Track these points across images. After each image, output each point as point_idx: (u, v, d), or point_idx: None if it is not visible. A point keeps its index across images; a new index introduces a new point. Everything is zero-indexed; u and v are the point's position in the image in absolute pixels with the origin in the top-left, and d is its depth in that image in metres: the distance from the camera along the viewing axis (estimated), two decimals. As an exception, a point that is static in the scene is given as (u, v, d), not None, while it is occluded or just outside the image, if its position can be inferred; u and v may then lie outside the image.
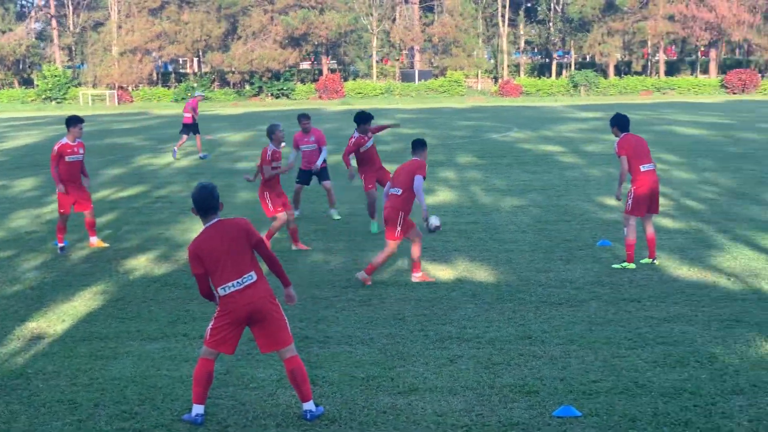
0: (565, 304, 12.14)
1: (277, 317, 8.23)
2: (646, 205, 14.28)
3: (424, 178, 13.52)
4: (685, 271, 13.84)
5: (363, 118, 17.98)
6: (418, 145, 13.85)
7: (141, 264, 15.29)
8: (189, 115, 34.81)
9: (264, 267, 8.45)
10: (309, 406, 8.32)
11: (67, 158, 16.02)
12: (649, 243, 14.47)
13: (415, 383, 9.21)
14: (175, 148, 34.90)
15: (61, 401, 8.90)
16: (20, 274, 14.68)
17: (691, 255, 14.96)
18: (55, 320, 11.84)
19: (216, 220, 8.21)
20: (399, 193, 13.45)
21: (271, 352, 8.51)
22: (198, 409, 8.27)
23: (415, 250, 13.70)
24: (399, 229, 13.45)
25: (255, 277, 8.17)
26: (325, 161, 19.51)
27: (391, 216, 13.46)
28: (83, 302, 12.78)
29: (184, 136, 35.00)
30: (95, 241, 16.71)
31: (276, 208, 15.81)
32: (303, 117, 19.45)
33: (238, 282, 8.10)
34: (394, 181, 13.69)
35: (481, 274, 14.06)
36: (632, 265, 14.13)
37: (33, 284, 13.94)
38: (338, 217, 19.37)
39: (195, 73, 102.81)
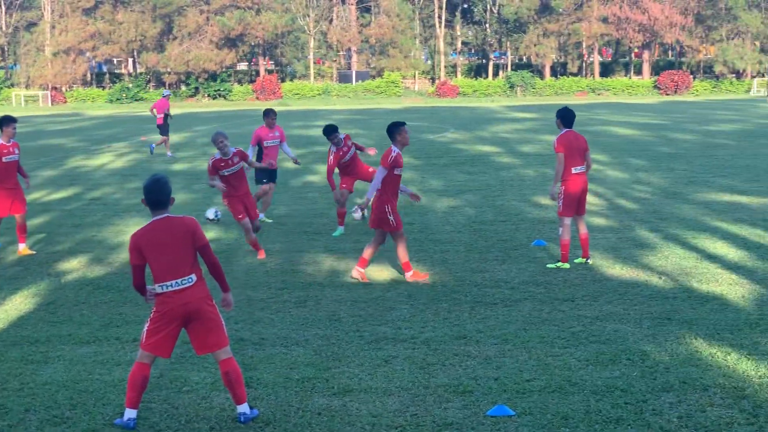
0: (500, 304, 12.21)
1: (213, 319, 8.15)
2: (575, 206, 14.40)
3: (388, 167, 13.31)
4: (618, 270, 14.00)
5: (330, 130, 17.44)
6: (390, 131, 13.54)
7: (73, 267, 15.10)
8: (161, 116, 35.75)
9: (204, 269, 8.36)
10: (243, 408, 8.27)
11: (3, 159, 15.68)
12: (582, 243, 14.59)
13: (350, 384, 9.20)
14: (168, 152, 35.65)
15: (-9, 407, 8.75)
16: (-51, 278, 14.42)
17: (623, 254, 15.14)
18: (-15, 325, 11.66)
19: (165, 215, 8.10)
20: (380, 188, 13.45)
21: (207, 354, 8.46)
22: (130, 413, 8.16)
23: (401, 251, 13.67)
24: (391, 219, 13.44)
25: (194, 279, 8.07)
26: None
27: (379, 210, 13.45)
28: (13, 305, 12.58)
29: (165, 137, 35.89)
30: (23, 248, 16.24)
31: (237, 215, 15.62)
32: (271, 112, 19.28)
33: (176, 282, 8.00)
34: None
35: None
36: (566, 265, 14.26)
37: (-38, 288, 13.70)
38: (270, 220, 19.26)
39: (130, 74, 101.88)
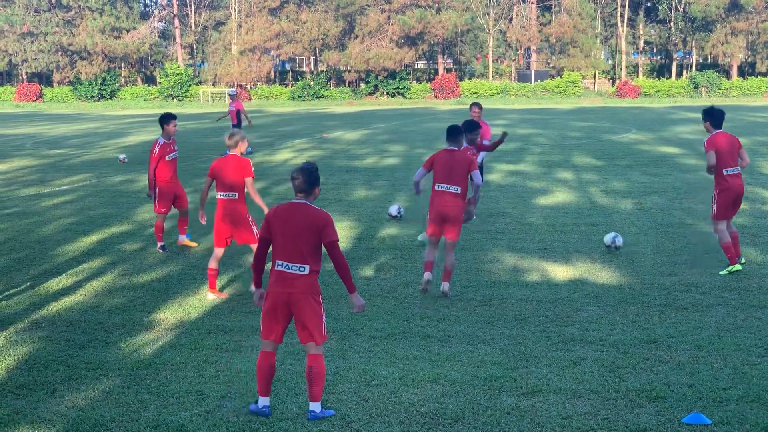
0: (691, 309, 11.87)
1: (313, 313, 8.30)
2: (730, 208, 14.06)
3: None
4: (817, 278, 13.41)
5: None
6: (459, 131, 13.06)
7: (262, 259, 15.44)
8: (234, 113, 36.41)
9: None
10: (314, 406, 8.36)
11: (167, 158, 16.03)
12: (734, 242, 14.14)
13: (539, 385, 9.12)
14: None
15: (189, 392, 9.06)
16: (146, 266, 15.01)
17: (822, 261, 14.49)
18: (182, 313, 12.07)
19: (303, 201, 8.35)
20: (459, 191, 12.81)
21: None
22: (264, 401, 8.43)
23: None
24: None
25: (306, 270, 8.26)
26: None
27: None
28: (208, 295, 12.99)
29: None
30: (185, 240, 16.63)
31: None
32: (475, 105, 19.54)
33: (288, 265, 8.24)
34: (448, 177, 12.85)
35: (603, 275, 13.85)
36: (738, 267, 13.81)
37: (159, 277, 14.24)
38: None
39: (312, 72, 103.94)
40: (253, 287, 8.69)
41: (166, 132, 16.10)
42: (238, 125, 36.06)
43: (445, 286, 12.72)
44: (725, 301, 12.20)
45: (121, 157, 33.29)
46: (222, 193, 13.20)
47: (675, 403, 8.54)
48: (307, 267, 8.26)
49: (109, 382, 9.41)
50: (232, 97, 38.32)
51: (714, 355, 9.94)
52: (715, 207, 14.06)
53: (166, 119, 16.18)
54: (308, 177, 8.31)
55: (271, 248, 8.44)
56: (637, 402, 8.62)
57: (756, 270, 14.00)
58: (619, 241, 15.59)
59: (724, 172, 13.96)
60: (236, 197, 13.18)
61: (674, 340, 10.54)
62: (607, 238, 15.73)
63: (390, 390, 9.05)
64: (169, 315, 11.97)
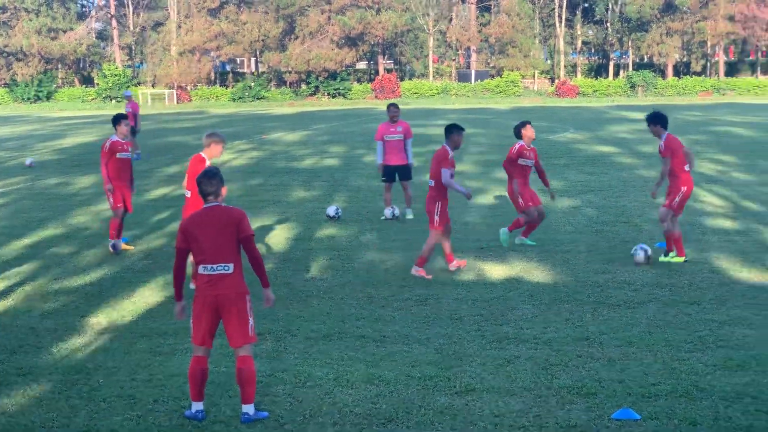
0: (623, 306, 12.02)
1: (241, 314, 8.31)
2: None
3: (451, 170, 13.84)
4: (746, 274, 13.64)
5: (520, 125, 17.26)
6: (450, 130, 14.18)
7: (199, 261, 15.34)
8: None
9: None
10: (247, 408, 8.34)
11: (117, 155, 16.04)
12: (678, 242, 14.62)
13: (472, 383, 9.18)
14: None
15: (121, 396, 8.98)
16: (80, 270, 14.86)
17: (751, 258, 14.74)
18: (115, 316, 11.97)
19: (214, 204, 8.39)
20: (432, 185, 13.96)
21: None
22: (197, 405, 8.40)
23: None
24: (437, 218, 13.95)
25: (231, 269, 8.30)
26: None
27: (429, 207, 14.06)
28: (142, 298, 12.90)
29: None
30: (121, 244, 16.38)
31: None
32: (392, 106, 19.55)
33: (212, 267, 8.26)
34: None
35: (538, 274, 13.98)
36: (681, 259, 14.43)
37: (93, 280, 14.10)
38: (410, 217, 19.29)
39: (252, 73, 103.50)
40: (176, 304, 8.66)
41: (119, 132, 16.19)
42: (135, 128, 35.16)
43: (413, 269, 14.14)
44: (656, 298, 12.37)
45: (28, 161, 32.58)
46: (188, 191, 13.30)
47: (605, 399, 8.65)
48: (232, 265, 8.28)
49: (40, 387, 9.31)
50: (128, 98, 37.04)
51: (644, 351, 10.08)
52: (678, 200, 14.46)
53: (117, 120, 16.32)
54: (214, 180, 8.38)
55: (192, 258, 8.41)
56: (569, 399, 8.71)
57: (687, 267, 14.21)
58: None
59: (686, 168, 14.48)
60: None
61: (606, 337, 10.67)
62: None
63: (324, 391, 9.06)
64: (102, 319, 11.86)
